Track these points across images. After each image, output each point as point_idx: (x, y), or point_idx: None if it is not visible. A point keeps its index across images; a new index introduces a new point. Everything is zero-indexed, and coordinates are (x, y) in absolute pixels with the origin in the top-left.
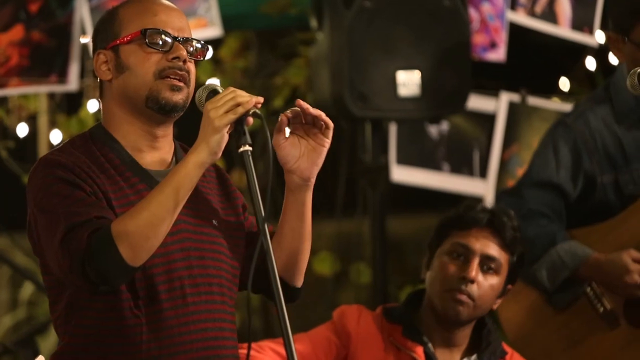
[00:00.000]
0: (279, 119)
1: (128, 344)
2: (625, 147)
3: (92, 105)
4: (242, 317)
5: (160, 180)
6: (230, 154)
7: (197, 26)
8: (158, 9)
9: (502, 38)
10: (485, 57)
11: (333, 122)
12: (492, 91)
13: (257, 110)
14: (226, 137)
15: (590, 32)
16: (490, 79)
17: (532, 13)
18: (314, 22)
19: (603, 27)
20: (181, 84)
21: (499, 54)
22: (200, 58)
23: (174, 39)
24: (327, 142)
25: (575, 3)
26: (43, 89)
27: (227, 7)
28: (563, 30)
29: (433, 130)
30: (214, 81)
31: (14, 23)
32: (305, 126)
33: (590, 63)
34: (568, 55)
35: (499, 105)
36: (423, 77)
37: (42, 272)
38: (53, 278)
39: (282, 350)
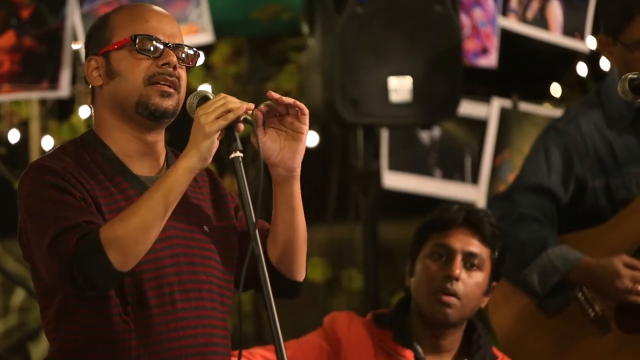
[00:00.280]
0: (254, 115)
1: (117, 350)
2: (617, 151)
3: (84, 112)
4: (233, 323)
5: (150, 186)
6: (222, 159)
7: (189, 32)
8: (149, 15)
9: (494, 44)
10: (476, 62)
11: (325, 128)
12: (483, 97)
13: (248, 117)
14: (216, 143)
15: (582, 37)
16: (482, 84)
17: (523, 19)
18: (305, 28)
19: (594, 33)
20: (171, 90)
21: (490, 60)
22: (191, 64)
23: (165, 45)
24: (305, 129)
25: (566, 9)
26: (34, 95)
27: (219, 13)
28: (554, 36)
29: (425, 136)
30: (206, 87)
31: (5, 29)
32: (280, 117)
33: (582, 69)
34: (559, 61)
35: (490, 111)
36: (415, 83)
37: (33, 278)
38: (43, 284)
39: (273, 357)
